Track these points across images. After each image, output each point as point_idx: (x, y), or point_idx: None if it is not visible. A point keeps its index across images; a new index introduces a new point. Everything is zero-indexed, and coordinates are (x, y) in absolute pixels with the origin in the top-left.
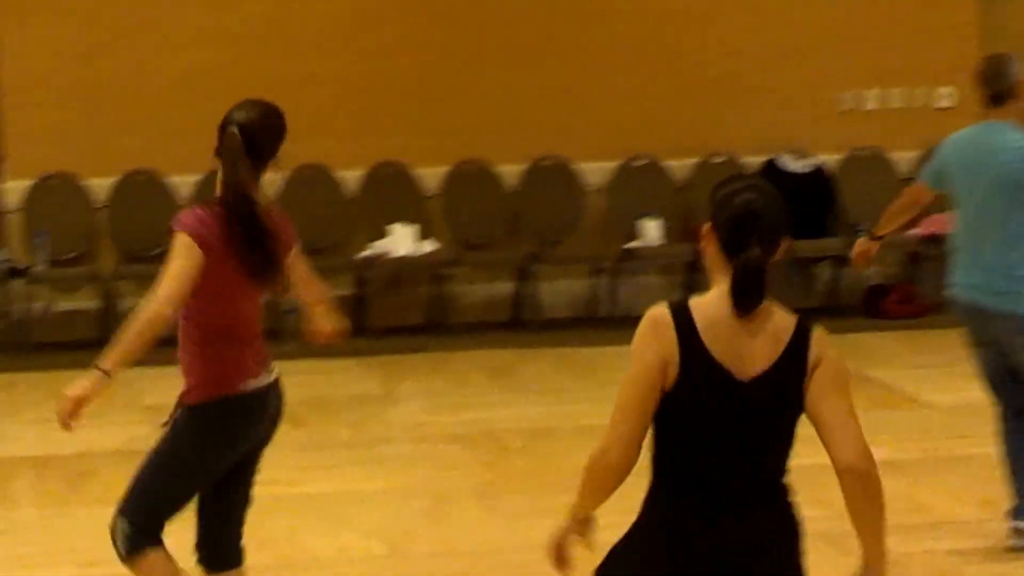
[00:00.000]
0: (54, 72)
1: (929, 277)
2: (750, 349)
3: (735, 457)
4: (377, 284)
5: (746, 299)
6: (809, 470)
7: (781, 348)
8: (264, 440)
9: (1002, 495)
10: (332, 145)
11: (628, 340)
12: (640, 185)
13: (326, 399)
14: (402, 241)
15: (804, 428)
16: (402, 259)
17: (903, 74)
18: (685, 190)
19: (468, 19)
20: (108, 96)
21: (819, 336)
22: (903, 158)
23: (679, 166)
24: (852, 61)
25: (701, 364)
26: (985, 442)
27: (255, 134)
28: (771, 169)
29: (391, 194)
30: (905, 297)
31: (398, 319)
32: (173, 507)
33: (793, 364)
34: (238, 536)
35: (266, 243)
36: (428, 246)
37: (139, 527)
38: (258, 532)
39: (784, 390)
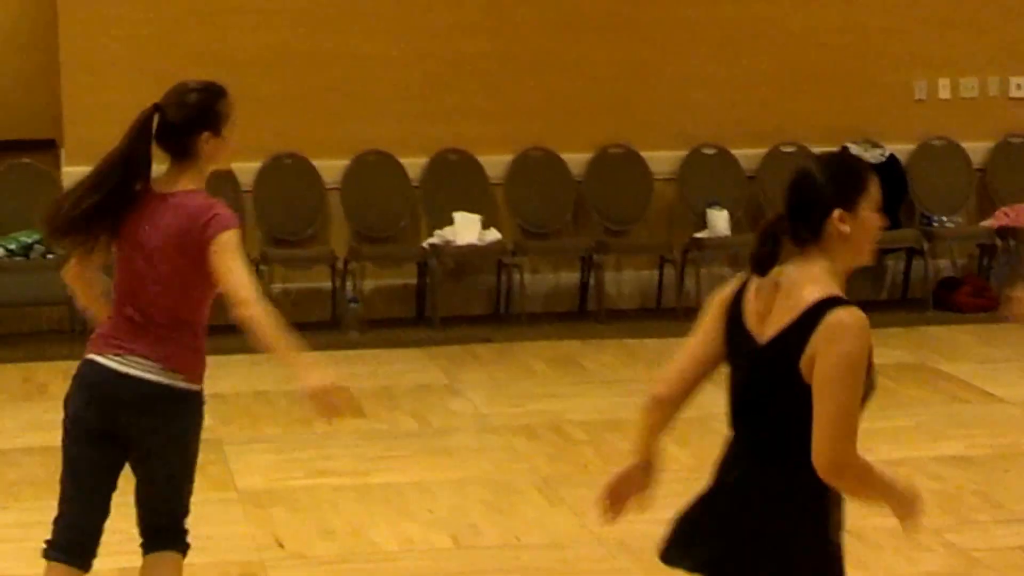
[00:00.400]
0: (116, 52)
1: (1001, 269)
2: (774, 315)
3: (743, 416)
4: (441, 273)
5: (754, 261)
6: (882, 465)
7: (790, 320)
8: (135, 439)
9: None
10: (397, 130)
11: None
12: (709, 174)
13: (389, 389)
14: (466, 229)
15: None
16: (466, 248)
17: (976, 63)
18: (754, 180)
19: (535, 4)
20: (173, 77)
21: (829, 327)
22: (976, 148)
23: (749, 155)
24: (925, 49)
25: (733, 320)
26: None
27: (166, 110)
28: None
29: (455, 181)
30: (977, 290)
31: (462, 308)
32: (63, 499)
33: (792, 339)
34: (154, 524)
35: (84, 206)
36: (492, 235)
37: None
38: (321, 523)
39: (781, 360)
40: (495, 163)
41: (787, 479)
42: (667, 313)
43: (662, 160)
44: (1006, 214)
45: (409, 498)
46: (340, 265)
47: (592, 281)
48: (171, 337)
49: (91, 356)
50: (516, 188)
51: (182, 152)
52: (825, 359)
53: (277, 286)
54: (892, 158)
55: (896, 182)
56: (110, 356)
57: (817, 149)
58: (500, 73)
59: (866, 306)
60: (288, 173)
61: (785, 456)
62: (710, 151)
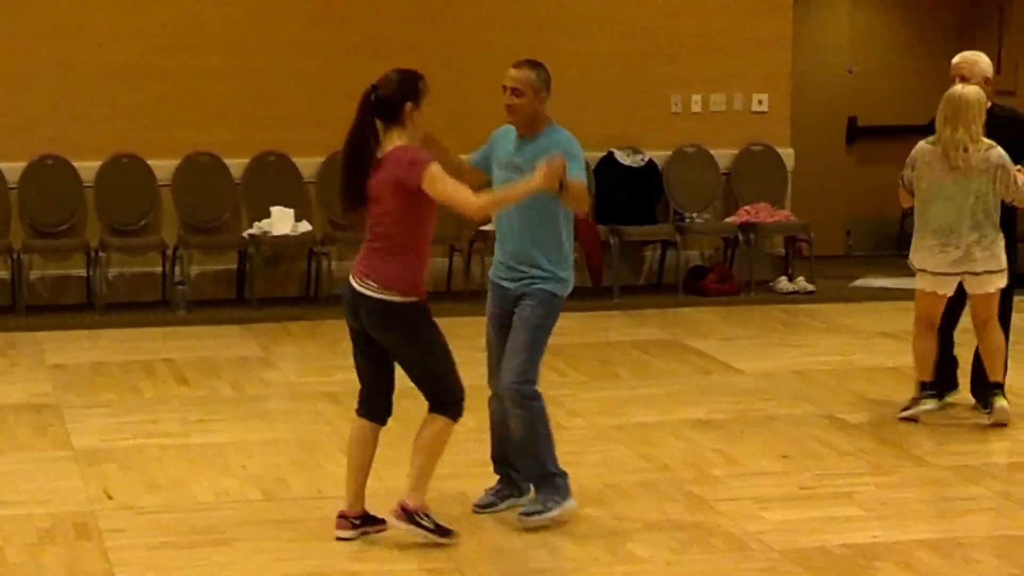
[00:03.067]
0: None
1: (742, 259)
2: None
3: None
4: (259, 260)
5: None
6: (637, 427)
7: None
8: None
9: (799, 450)
10: (223, 135)
11: (481, 312)
12: None
13: (211, 361)
14: (281, 222)
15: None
16: (281, 238)
17: (724, 81)
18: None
19: (347, 28)
20: (33, 86)
21: None
22: (723, 155)
23: None
24: (680, 70)
25: None
26: (786, 404)
27: (381, 93)
28: (608, 163)
29: (272, 180)
30: (721, 277)
31: (277, 291)
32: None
33: None
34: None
35: (350, 173)
36: (304, 226)
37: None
38: (148, 478)
39: None
40: (308, 164)
41: None
42: (456, 295)
43: None
44: (747, 211)
45: (226, 456)
46: (170, 252)
47: None
48: (365, 248)
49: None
50: (326, 186)
51: (393, 118)
52: None
53: (113, 270)
54: (651, 163)
55: (653, 183)
56: (350, 281)
57: (586, 154)
58: (314, 86)
59: (626, 290)
60: (125, 170)
61: None
62: None
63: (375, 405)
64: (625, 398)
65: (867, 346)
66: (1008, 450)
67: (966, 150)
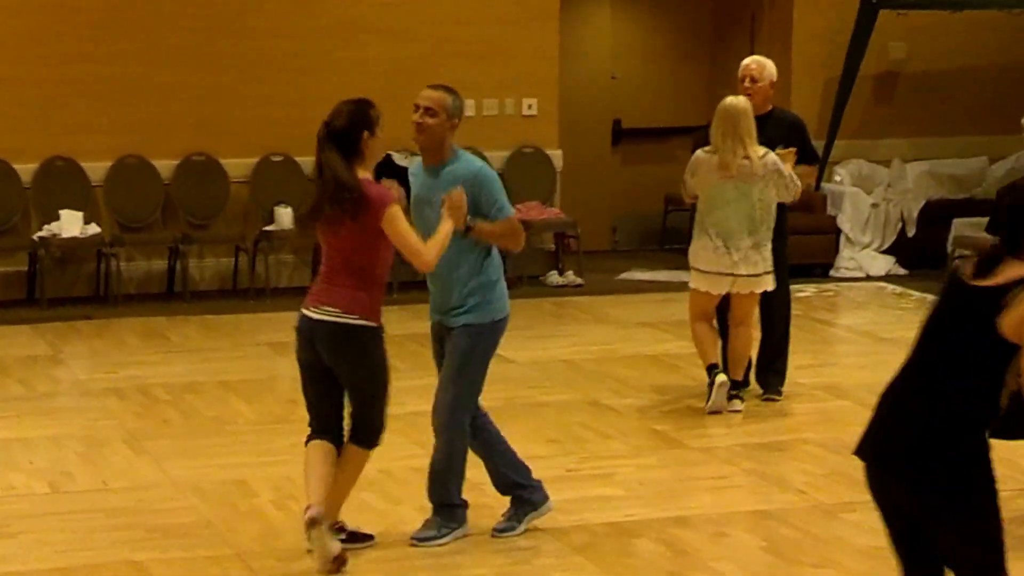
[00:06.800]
0: None
1: (515, 254)
2: None
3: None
4: (48, 261)
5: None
6: (411, 416)
7: None
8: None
9: (565, 435)
10: (11, 141)
11: (266, 309)
12: (276, 177)
13: (1, 360)
14: (71, 224)
15: None
16: (71, 240)
17: (496, 87)
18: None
19: (132, 37)
20: None
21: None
22: (495, 157)
23: (309, 162)
24: (455, 76)
25: None
26: (554, 391)
27: (334, 126)
28: (386, 165)
29: (62, 184)
30: None
31: (66, 291)
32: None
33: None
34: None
35: (320, 202)
36: (93, 229)
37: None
38: None
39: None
40: (96, 168)
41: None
42: (241, 293)
43: (237, 166)
44: (519, 209)
45: (13, 452)
46: None
47: (178, 267)
48: (322, 278)
49: (302, 311)
50: (114, 189)
51: (351, 150)
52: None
53: None
54: None
55: None
56: (308, 311)
57: None
58: (103, 93)
59: (404, 286)
60: None
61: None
62: (277, 158)
63: (329, 431)
64: (402, 388)
65: (629, 335)
66: (758, 431)
67: (747, 158)
